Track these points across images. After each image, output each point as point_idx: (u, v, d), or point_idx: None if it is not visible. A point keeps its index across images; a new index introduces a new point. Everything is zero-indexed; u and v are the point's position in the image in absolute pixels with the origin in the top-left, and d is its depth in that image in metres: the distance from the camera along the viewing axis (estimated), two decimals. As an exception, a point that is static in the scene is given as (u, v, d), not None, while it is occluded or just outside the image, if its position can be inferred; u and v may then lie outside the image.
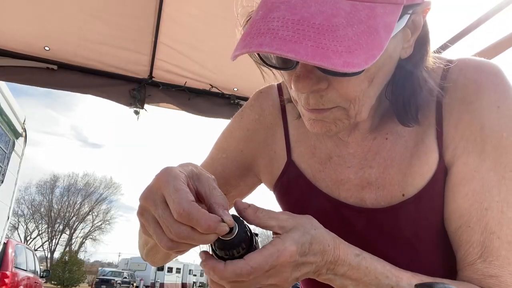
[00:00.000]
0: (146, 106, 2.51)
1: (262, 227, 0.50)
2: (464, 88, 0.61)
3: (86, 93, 2.46)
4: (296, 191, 0.72)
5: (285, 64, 0.52)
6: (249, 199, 0.87)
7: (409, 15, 0.50)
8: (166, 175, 0.45)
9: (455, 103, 0.61)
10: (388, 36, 0.45)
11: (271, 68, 0.59)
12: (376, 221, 0.65)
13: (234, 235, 0.46)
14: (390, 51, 0.52)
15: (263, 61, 0.54)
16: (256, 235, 0.51)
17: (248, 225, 0.49)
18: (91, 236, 40.26)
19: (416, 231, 0.63)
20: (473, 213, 0.58)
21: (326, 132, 0.58)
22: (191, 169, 0.48)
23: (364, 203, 0.66)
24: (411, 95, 0.60)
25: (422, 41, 0.58)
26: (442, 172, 0.62)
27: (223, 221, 0.44)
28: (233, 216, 0.48)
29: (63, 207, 39.32)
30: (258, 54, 0.54)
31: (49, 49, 2.32)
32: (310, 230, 0.50)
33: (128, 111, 2.50)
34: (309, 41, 0.42)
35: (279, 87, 0.79)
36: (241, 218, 0.48)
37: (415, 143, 0.64)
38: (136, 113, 2.48)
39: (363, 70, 0.48)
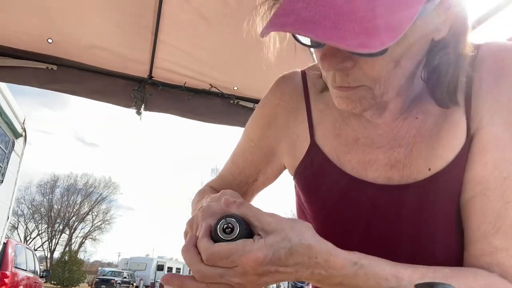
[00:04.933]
0: (145, 111, 2.51)
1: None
2: (494, 65, 0.62)
3: (87, 97, 2.46)
4: (319, 174, 0.72)
5: (314, 42, 0.54)
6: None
7: None
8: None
9: (485, 79, 0.62)
10: (412, 17, 0.45)
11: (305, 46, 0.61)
12: (401, 198, 0.65)
13: (236, 235, 0.46)
14: (420, 32, 0.52)
15: (296, 39, 0.56)
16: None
17: (251, 225, 0.49)
18: (91, 236, 40.28)
19: (441, 206, 0.63)
20: (491, 181, 0.58)
21: (351, 109, 0.59)
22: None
23: (391, 181, 0.66)
24: (446, 76, 0.60)
25: (457, 23, 0.57)
26: (469, 145, 0.62)
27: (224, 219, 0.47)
28: (234, 216, 0.48)
29: (63, 207, 39.34)
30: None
31: (52, 41, 2.32)
32: (293, 238, 0.47)
33: (126, 110, 2.50)
34: (328, 22, 0.43)
35: (303, 72, 0.80)
36: (241, 218, 0.48)
37: (444, 119, 0.64)
38: (138, 113, 2.48)
39: (385, 51, 0.49)
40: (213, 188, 0.83)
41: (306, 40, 0.54)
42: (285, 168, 0.82)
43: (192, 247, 0.49)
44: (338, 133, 0.71)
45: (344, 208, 0.68)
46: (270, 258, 0.46)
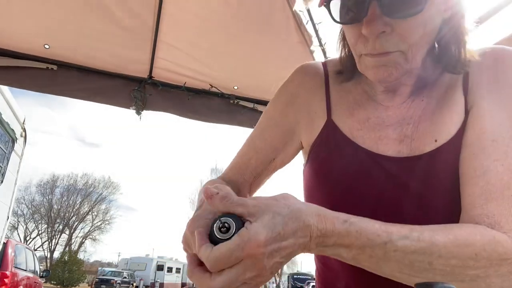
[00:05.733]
0: (145, 111, 2.51)
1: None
2: (491, 56, 0.70)
3: (87, 100, 2.46)
4: (334, 149, 0.76)
5: (354, 19, 0.63)
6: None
7: None
8: (184, 236, 0.52)
9: (482, 66, 0.70)
10: None
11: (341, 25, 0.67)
12: (412, 169, 0.70)
13: (233, 233, 0.46)
14: (435, 4, 0.61)
15: (334, 19, 0.63)
16: None
17: (242, 217, 0.48)
18: (90, 236, 40.28)
19: (446, 176, 0.67)
20: (480, 143, 0.64)
21: (387, 77, 0.65)
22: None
23: (401, 154, 0.71)
24: (451, 42, 0.69)
25: (457, 7, 0.66)
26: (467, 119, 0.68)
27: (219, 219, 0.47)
28: (230, 215, 0.47)
29: (63, 207, 39.34)
30: (330, 12, 0.64)
31: (49, 47, 2.32)
32: (282, 210, 0.48)
33: (126, 110, 2.50)
34: None
35: (324, 62, 0.87)
36: (237, 216, 0.47)
37: (446, 100, 0.72)
38: (138, 113, 2.48)
39: (422, 9, 0.59)
40: (223, 179, 0.83)
41: (344, 19, 0.64)
42: (302, 147, 0.85)
43: (195, 269, 0.48)
44: (352, 112, 0.78)
45: (358, 179, 0.73)
46: (271, 236, 0.45)
